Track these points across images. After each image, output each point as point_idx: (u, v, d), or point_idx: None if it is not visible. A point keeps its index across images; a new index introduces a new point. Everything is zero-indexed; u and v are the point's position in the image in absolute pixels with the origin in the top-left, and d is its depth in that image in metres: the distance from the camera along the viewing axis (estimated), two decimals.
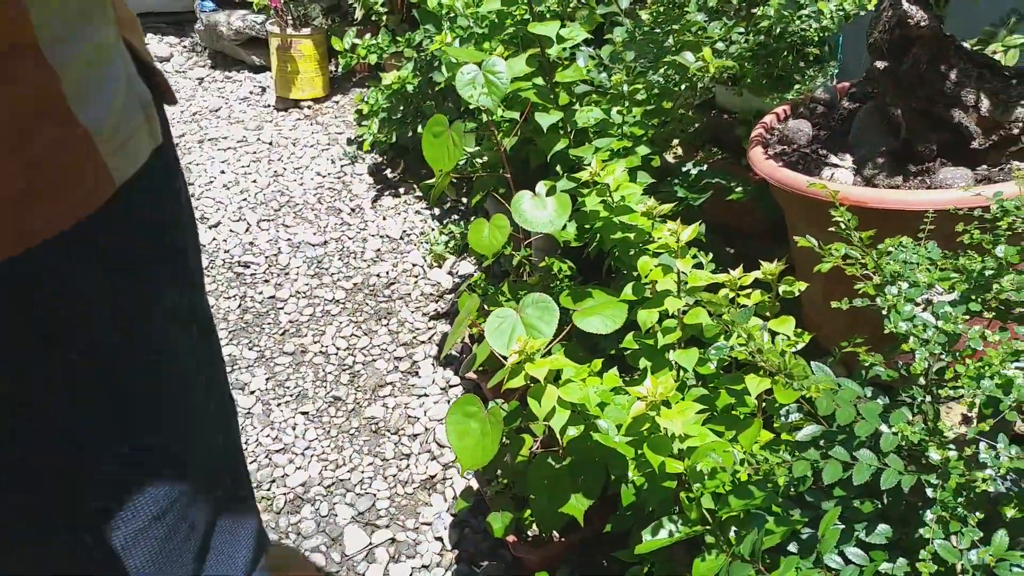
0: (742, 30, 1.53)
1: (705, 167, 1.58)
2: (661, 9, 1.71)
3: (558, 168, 1.74)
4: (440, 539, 1.58)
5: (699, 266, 1.16)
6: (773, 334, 0.99)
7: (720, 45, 1.51)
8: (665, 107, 1.62)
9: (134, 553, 0.55)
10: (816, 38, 1.50)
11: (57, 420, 0.54)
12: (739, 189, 1.52)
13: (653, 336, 1.17)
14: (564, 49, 1.42)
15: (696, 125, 1.66)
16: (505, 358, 1.35)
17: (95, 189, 0.51)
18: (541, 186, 1.48)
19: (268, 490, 1.70)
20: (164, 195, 0.57)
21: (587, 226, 1.43)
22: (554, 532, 1.41)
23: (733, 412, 1.11)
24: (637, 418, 0.95)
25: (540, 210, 1.46)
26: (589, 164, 1.29)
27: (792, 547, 0.86)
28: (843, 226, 0.93)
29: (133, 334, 0.55)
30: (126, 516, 0.55)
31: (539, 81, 1.59)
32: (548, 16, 1.41)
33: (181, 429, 0.60)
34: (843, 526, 0.83)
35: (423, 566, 1.53)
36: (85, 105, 0.49)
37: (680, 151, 1.73)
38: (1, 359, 0.53)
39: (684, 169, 1.58)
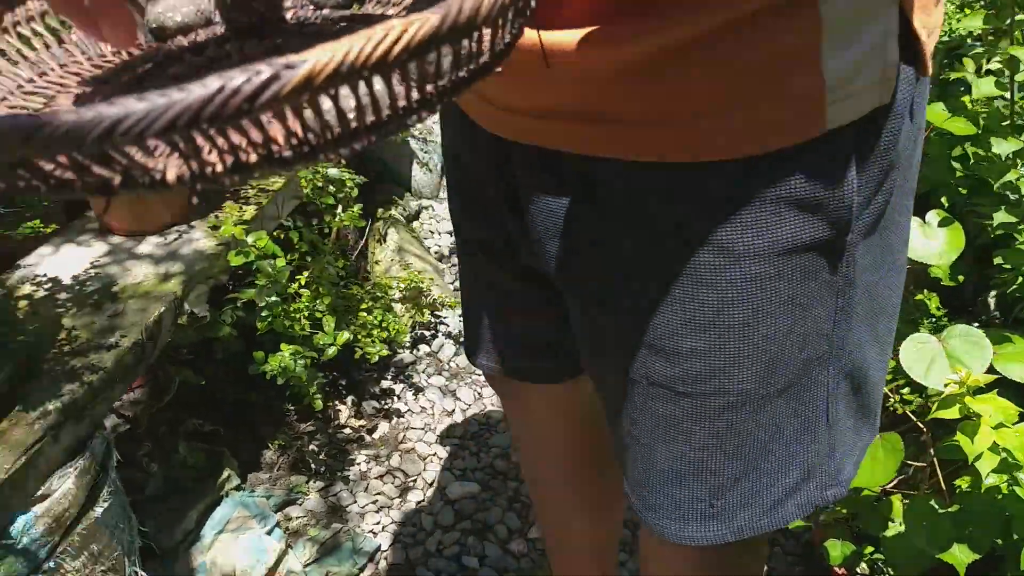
0: None
1: None
2: None
3: (943, 200, 1.64)
4: None
5: None
6: None
7: None
8: None
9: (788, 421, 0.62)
10: None
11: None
12: None
13: None
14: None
15: None
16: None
17: (801, 125, 0.52)
18: (933, 215, 1.39)
19: None
20: (866, 154, 0.56)
21: (1007, 266, 1.32)
22: None
23: None
24: None
25: (929, 240, 1.37)
26: None
27: None
28: None
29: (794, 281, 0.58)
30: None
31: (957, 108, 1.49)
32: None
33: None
34: None
35: None
36: (831, 59, 0.51)
37: None
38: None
39: None
